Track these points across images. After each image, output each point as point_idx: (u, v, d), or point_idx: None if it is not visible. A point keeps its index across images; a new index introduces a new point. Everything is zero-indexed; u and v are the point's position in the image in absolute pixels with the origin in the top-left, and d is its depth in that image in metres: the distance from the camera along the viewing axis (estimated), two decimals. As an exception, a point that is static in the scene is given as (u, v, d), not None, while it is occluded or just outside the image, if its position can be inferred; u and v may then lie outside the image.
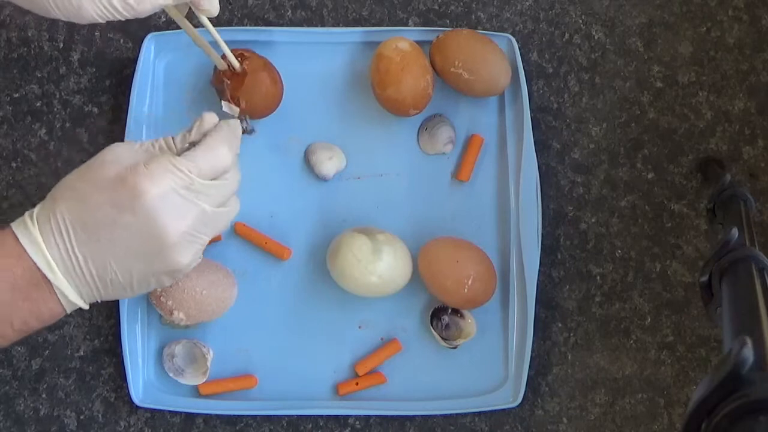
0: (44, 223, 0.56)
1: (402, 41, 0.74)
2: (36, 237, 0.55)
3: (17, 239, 0.55)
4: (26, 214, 0.57)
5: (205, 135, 0.61)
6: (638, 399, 0.77)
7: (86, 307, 0.58)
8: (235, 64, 0.71)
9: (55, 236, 0.55)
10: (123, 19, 0.61)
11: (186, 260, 0.58)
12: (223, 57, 0.72)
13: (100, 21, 0.60)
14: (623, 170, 0.79)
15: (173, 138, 0.61)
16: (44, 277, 0.55)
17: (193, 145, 0.60)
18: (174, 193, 0.56)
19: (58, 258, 0.55)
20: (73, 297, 0.56)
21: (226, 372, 0.76)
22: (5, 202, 0.78)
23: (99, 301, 0.59)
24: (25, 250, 0.55)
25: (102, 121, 0.78)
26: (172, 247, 0.57)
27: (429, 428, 0.77)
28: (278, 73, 0.75)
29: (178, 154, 0.59)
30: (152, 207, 0.55)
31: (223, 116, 0.66)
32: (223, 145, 0.60)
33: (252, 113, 0.74)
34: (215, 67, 0.73)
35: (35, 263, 0.55)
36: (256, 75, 0.72)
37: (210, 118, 0.62)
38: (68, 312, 0.58)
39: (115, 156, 0.58)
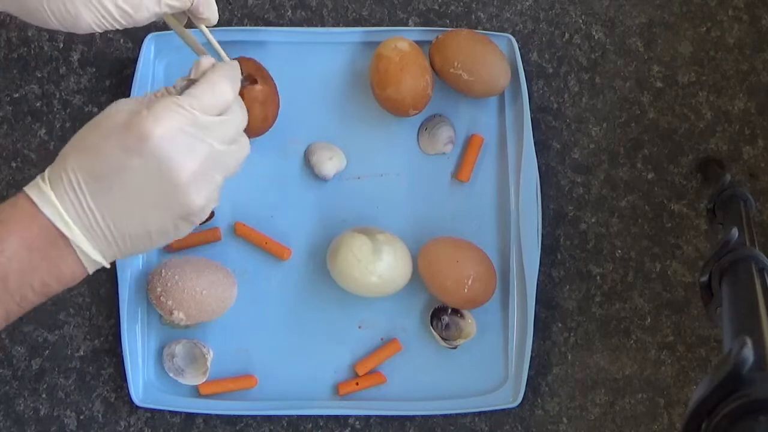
0: (56, 181, 0.55)
1: (401, 41, 0.74)
2: (49, 195, 0.55)
3: (31, 201, 0.55)
4: (38, 176, 0.56)
5: (203, 74, 0.61)
6: (638, 399, 0.77)
7: (107, 264, 0.57)
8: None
9: (67, 191, 0.55)
10: (121, 28, 0.61)
11: (200, 201, 0.57)
12: None
13: (98, 31, 0.60)
14: (623, 170, 0.79)
15: (174, 86, 0.60)
16: (61, 234, 0.55)
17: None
18: (180, 132, 0.56)
19: (73, 213, 0.55)
20: (92, 252, 0.56)
21: (226, 372, 0.76)
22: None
23: (120, 257, 0.58)
24: (39, 210, 0.55)
25: (102, 121, 0.78)
26: (185, 187, 0.56)
27: (429, 428, 0.77)
28: (278, 103, 0.75)
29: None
30: (159, 147, 0.55)
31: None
32: (223, 80, 0.59)
33: None
34: None
35: (50, 220, 0.54)
36: (251, 108, 0.72)
37: (207, 60, 0.61)
38: (90, 272, 0.57)
39: (119, 107, 0.58)
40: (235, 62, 0.63)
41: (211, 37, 0.67)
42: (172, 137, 0.55)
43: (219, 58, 0.70)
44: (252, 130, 0.74)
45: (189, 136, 0.56)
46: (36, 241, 0.55)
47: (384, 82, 0.74)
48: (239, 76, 0.61)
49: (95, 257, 0.56)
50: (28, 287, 0.55)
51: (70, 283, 0.57)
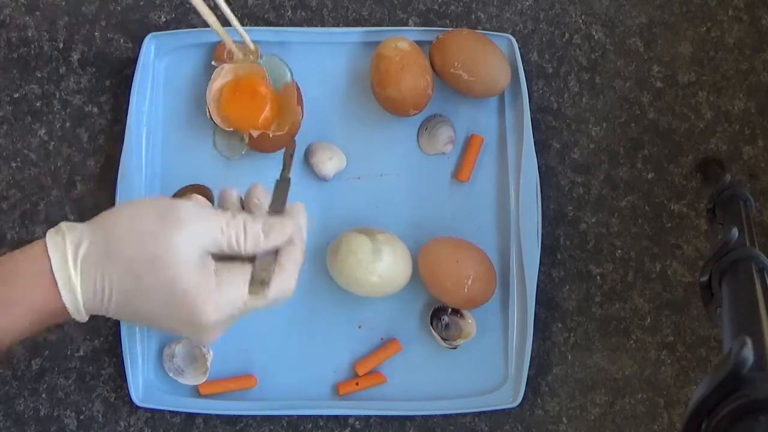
0: (88, 280, 0.54)
1: (402, 41, 0.74)
2: (75, 288, 0.53)
3: (54, 281, 0.53)
4: (69, 251, 0.54)
5: (278, 251, 0.58)
6: (638, 399, 0.77)
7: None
8: (251, 46, 0.70)
9: (95, 293, 0.54)
10: None
11: (213, 341, 0.58)
12: (227, 52, 0.71)
13: None
14: (623, 170, 0.79)
15: (246, 235, 0.56)
16: (66, 311, 0.54)
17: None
18: (229, 317, 0.56)
19: (90, 307, 0.55)
20: (82, 319, 0.56)
21: (226, 372, 0.76)
22: (5, 202, 0.78)
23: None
24: (60, 296, 0.53)
25: (102, 121, 0.79)
26: (207, 339, 0.57)
27: (429, 428, 0.77)
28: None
29: (246, 256, 0.57)
30: (206, 326, 0.55)
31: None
32: (295, 282, 0.58)
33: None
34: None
35: (66, 307, 0.54)
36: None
37: (287, 229, 0.58)
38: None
39: (188, 251, 0.54)
40: (305, 239, 0.60)
41: (225, 6, 0.67)
42: (222, 322, 0.56)
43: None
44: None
45: (232, 318, 0.57)
46: (44, 317, 0.55)
47: (384, 82, 0.74)
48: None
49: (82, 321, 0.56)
50: (8, 340, 0.55)
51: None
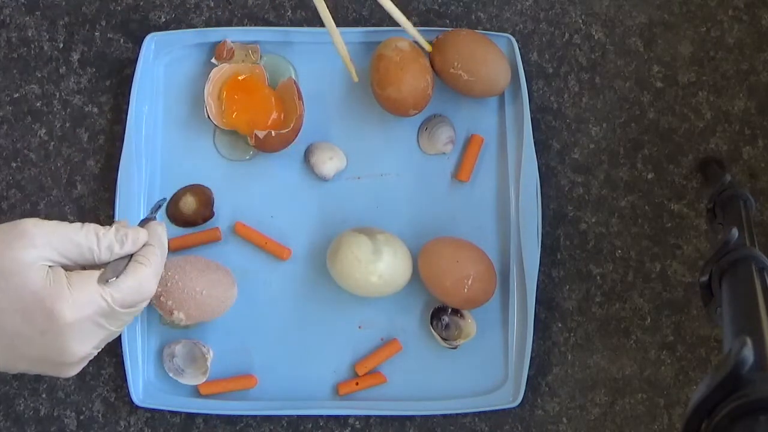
0: None
1: (401, 41, 0.74)
2: None
3: None
4: None
5: (133, 255, 0.58)
6: (638, 399, 0.77)
7: None
8: (425, 45, 0.73)
9: None
10: None
11: (74, 373, 0.57)
12: (226, 51, 0.71)
13: None
14: (623, 170, 0.79)
15: (99, 242, 0.56)
16: None
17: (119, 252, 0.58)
18: (90, 322, 0.55)
19: None
20: None
21: (226, 372, 0.76)
22: (5, 202, 0.78)
23: None
24: None
25: (102, 121, 0.79)
26: (69, 366, 0.56)
27: (429, 428, 0.77)
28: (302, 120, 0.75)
29: (103, 265, 0.56)
30: (64, 332, 0.54)
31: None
32: (153, 278, 0.58)
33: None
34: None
35: None
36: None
37: (143, 235, 0.59)
38: None
39: (34, 261, 0.53)
40: (164, 231, 0.61)
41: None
42: (80, 325, 0.54)
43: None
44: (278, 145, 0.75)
45: (96, 326, 0.55)
46: None
47: (384, 82, 0.74)
48: (166, 253, 0.61)
49: None
50: None
51: None
